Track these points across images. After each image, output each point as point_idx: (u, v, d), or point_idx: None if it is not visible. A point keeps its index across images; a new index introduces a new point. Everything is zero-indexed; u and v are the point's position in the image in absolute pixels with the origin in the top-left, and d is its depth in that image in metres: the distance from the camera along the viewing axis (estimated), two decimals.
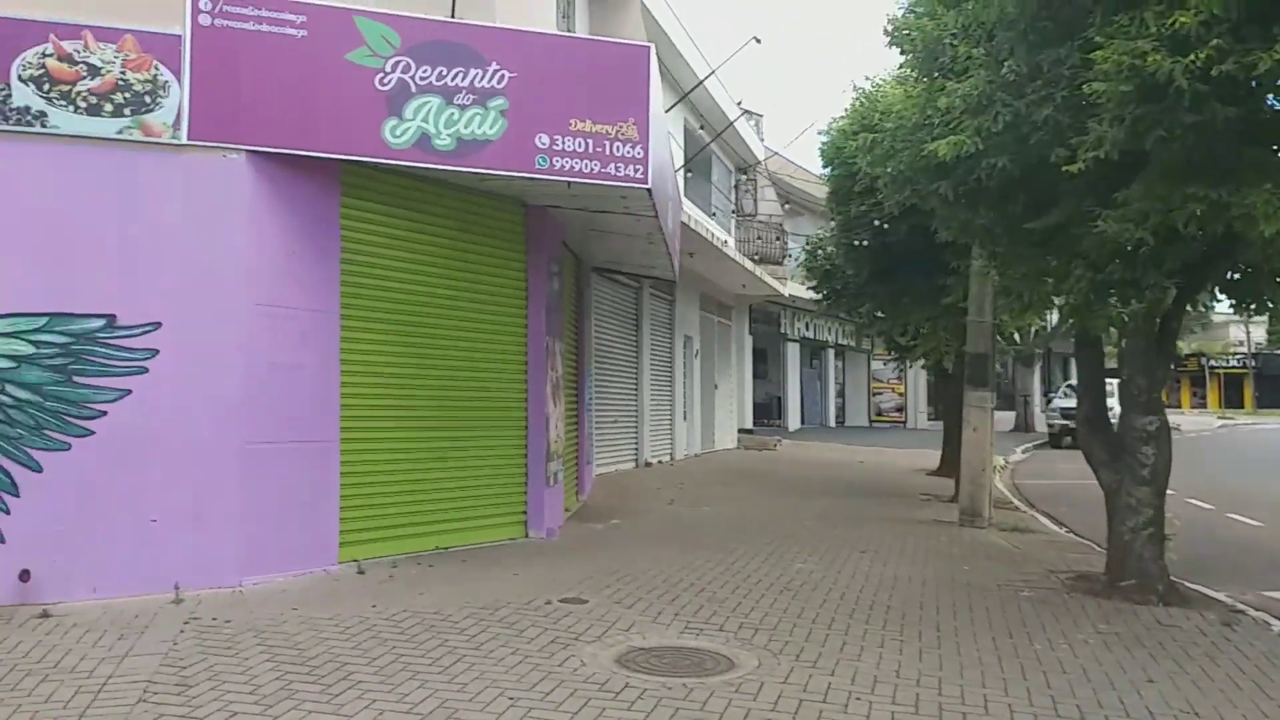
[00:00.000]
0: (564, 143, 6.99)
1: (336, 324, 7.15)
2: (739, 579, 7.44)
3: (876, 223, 11.57)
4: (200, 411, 6.44)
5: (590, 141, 7.02)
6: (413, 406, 7.82)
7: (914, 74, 8.04)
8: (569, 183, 7.19)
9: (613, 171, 7.10)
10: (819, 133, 23.97)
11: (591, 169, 7.05)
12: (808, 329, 30.16)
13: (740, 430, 23.34)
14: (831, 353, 33.01)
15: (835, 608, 6.62)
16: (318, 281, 7.01)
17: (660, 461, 16.97)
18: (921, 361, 18.46)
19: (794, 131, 66.09)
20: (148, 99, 6.31)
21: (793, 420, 29.03)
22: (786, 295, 23.60)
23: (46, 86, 6.15)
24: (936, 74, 7.29)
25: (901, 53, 7.98)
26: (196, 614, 5.90)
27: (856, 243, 12.49)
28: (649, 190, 7.30)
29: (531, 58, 7.00)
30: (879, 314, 14.94)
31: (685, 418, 18.61)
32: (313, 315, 6.97)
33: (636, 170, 7.12)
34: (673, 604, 6.57)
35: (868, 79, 14.41)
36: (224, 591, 6.40)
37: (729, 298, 22.52)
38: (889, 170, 7.50)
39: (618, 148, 7.08)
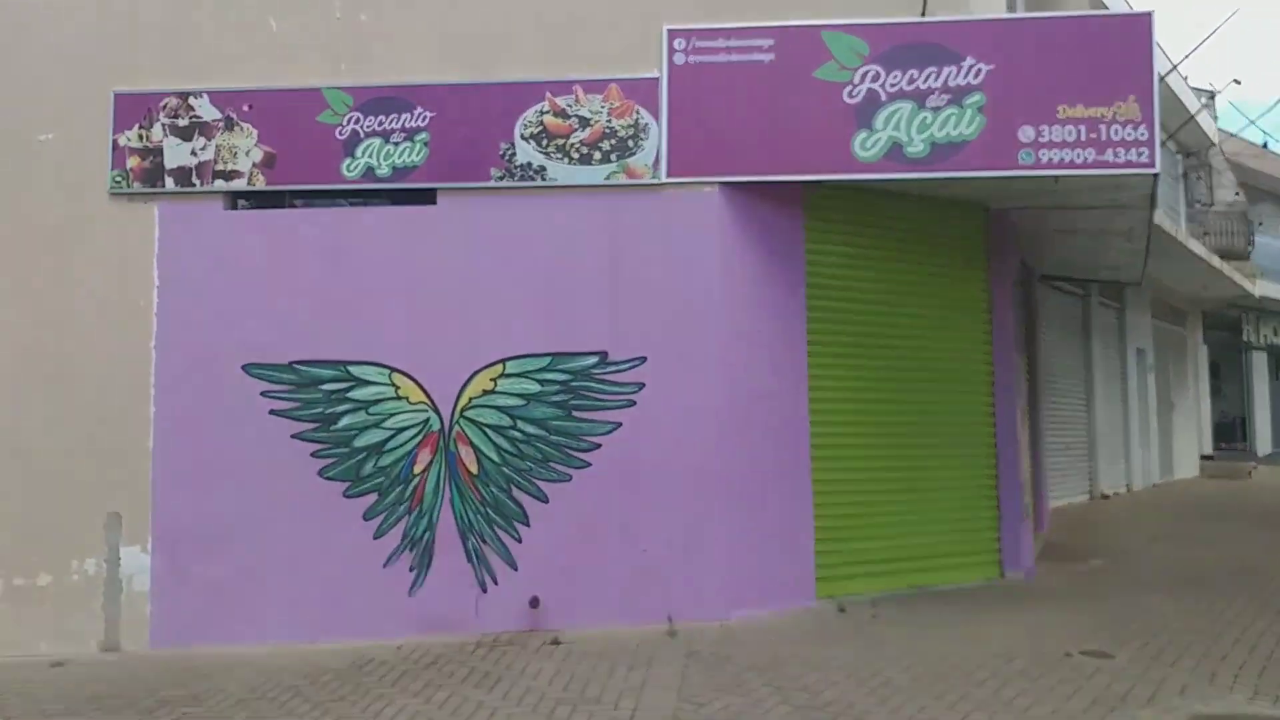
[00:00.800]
0: (1051, 133, 6.22)
1: (804, 349, 6.95)
2: None
3: None
4: (683, 442, 6.53)
5: (1083, 128, 6.18)
6: (879, 433, 7.39)
7: None
8: (1056, 177, 6.38)
9: (1111, 158, 6.19)
10: None
11: (1085, 158, 6.20)
12: (1276, 334, 25.44)
13: (1201, 456, 20.11)
14: None
15: None
16: (786, 307, 6.87)
17: (1116, 493, 14.99)
18: None
19: (1250, 104, 56.23)
20: (630, 143, 6.59)
21: (1261, 443, 24.52)
22: (1256, 295, 20.01)
23: (544, 142, 6.64)
24: None
25: None
26: (694, 647, 5.90)
27: None
28: (1156, 175, 6.28)
29: (1010, 46, 6.33)
30: None
31: (1141, 442, 16.33)
32: (783, 341, 6.83)
33: (1141, 154, 6.15)
34: (1223, 662, 5.45)
35: None
36: (712, 625, 6.37)
37: (1183, 302, 19.58)
38: None
39: (1116, 130, 6.17)
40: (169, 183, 6.91)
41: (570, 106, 6.64)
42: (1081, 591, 7.58)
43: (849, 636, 6.09)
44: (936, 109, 6.32)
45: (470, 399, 6.64)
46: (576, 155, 6.62)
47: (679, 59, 6.56)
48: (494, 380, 6.64)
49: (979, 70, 6.29)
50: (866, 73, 6.39)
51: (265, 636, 6.47)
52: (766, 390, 6.73)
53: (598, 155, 6.60)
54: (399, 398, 6.66)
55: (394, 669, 5.79)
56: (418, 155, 6.71)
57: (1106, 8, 13.27)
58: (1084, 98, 6.21)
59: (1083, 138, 6.21)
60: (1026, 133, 6.25)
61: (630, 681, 5.29)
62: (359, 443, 6.64)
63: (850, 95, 6.40)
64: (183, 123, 6.95)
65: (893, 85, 6.36)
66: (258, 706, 5.23)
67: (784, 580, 6.74)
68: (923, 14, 6.39)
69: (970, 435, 7.88)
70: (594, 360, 6.58)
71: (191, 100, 6.93)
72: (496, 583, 6.52)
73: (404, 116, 6.73)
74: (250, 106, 6.89)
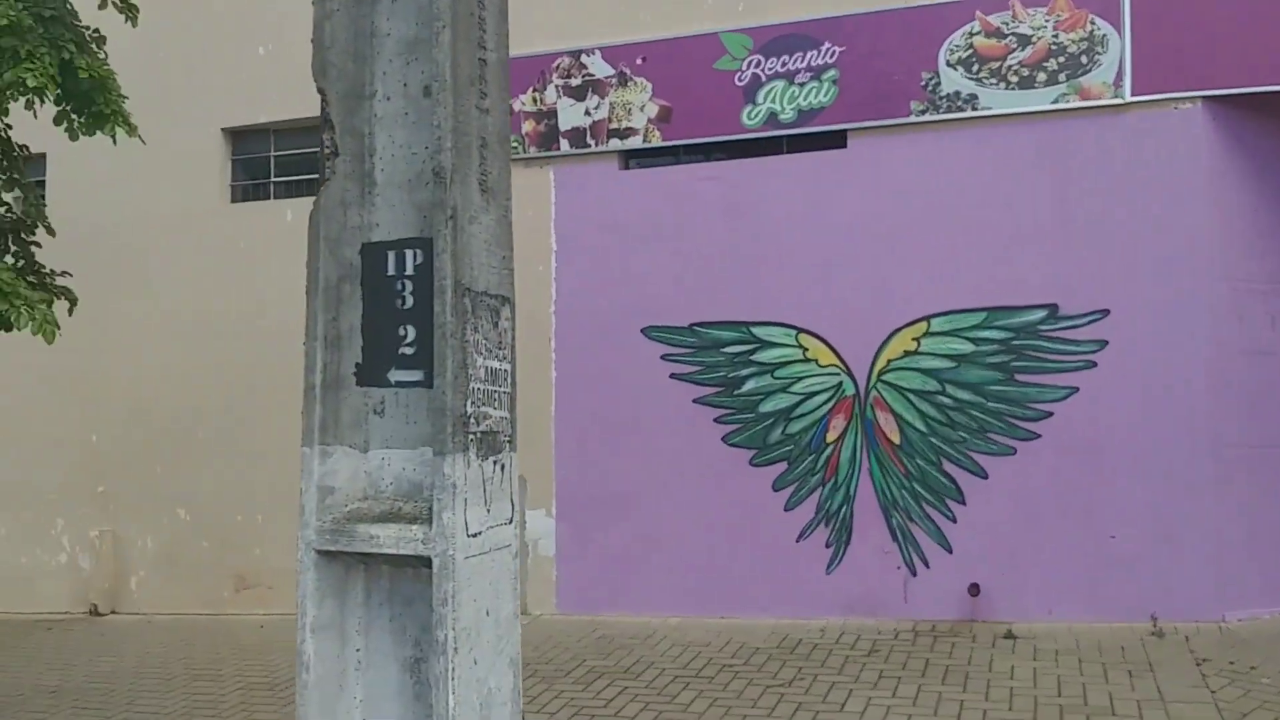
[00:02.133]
0: None
1: None
2: None
3: None
4: (1160, 411, 5.50)
5: None
6: None
7: None
8: None
9: None
10: None
11: None
12: None
13: None
14: None
15: None
16: None
17: None
18: None
19: None
20: (1083, 59, 5.63)
21: None
22: None
23: (975, 67, 5.84)
24: None
25: None
26: (1200, 652, 4.91)
27: None
28: None
29: None
30: None
31: None
32: None
33: None
34: None
35: None
36: (1206, 626, 5.32)
37: None
38: None
39: None
40: (564, 145, 6.80)
41: (1006, 24, 5.78)
42: None
43: None
44: None
45: (889, 361, 5.99)
46: (1015, 79, 5.76)
47: None
48: (917, 340, 5.94)
49: None
50: None
51: (670, 607, 6.22)
52: (1264, 347, 5.55)
53: (1042, 77, 5.70)
54: (807, 360, 6.14)
55: (830, 653, 5.28)
56: (826, 95, 6.13)
57: None
58: None
59: None
60: None
61: (1141, 692, 4.43)
62: (765, 408, 6.19)
63: None
64: (576, 82, 6.80)
65: None
66: (698, 685, 4.88)
67: None
68: None
69: None
70: (1041, 315, 5.70)
71: (584, 58, 6.77)
72: (927, 565, 5.84)
73: (809, 54, 6.17)
74: (644, 59, 6.62)
